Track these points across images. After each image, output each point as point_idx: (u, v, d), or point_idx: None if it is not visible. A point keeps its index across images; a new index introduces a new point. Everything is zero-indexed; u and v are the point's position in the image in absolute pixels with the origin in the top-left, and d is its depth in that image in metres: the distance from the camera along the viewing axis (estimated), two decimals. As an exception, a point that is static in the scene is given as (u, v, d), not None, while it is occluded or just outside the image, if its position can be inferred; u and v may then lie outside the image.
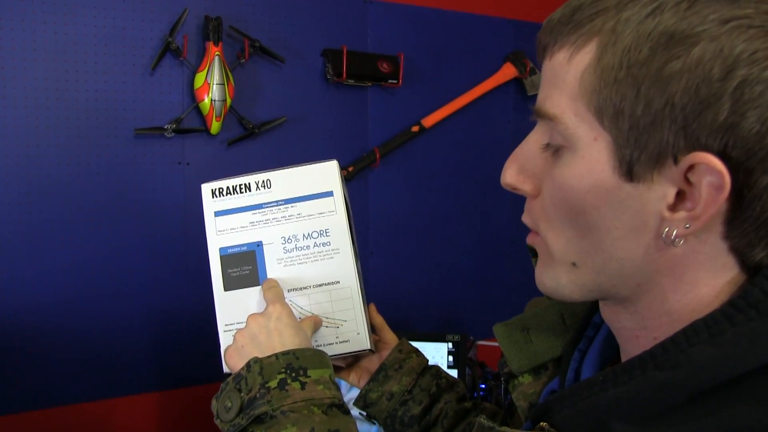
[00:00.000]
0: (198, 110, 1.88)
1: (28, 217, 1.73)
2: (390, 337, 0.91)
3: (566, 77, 0.48)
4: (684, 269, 0.48)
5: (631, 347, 0.53)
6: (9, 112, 1.69)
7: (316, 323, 0.80)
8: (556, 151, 0.50)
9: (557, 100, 0.49)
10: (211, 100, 1.84)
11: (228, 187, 0.82)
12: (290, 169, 0.82)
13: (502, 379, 0.69)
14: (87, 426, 1.83)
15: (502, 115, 2.33)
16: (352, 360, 0.90)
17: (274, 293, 0.78)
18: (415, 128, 2.19)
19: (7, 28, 1.68)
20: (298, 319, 0.78)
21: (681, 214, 0.45)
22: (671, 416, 0.45)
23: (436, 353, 1.62)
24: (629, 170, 0.46)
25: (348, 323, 0.80)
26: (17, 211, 1.72)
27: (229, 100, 1.87)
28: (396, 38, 2.17)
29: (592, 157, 0.47)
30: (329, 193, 0.82)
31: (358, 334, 0.80)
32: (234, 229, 0.81)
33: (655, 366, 0.46)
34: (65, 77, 1.75)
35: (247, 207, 0.81)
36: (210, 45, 1.84)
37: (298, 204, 0.81)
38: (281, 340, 0.72)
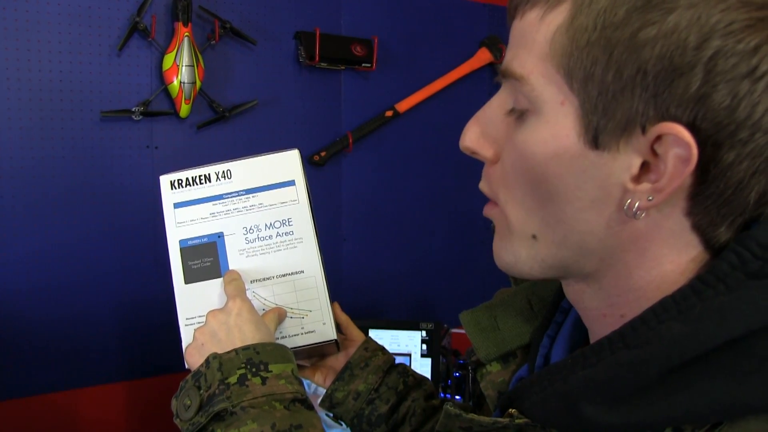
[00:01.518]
0: (167, 92, 1.83)
1: (-11, 202, 1.68)
2: (356, 335, 0.89)
3: (537, 37, 0.46)
4: (647, 244, 0.47)
5: (598, 328, 0.52)
6: (-32, 93, 1.64)
7: (279, 315, 0.77)
8: (520, 115, 0.48)
9: (525, 60, 0.47)
10: (180, 82, 1.80)
11: (187, 178, 0.79)
12: (251, 159, 0.81)
13: (469, 368, 0.68)
14: (54, 417, 1.80)
15: (477, 100, 2.31)
16: (317, 359, 0.88)
17: (235, 287, 0.76)
18: (389, 113, 2.17)
19: (-35, 5, 1.62)
20: (262, 311, 0.76)
21: (644, 186, 0.45)
22: (642, 396, 0.44)
23: (410, 341, 1.61)
24: (595, 138, 0.45)
25: (313, 313, 0.79)
26: (-22, 196, 1.67)
27: (198, 83, 1.83)
28: (370, 21, 2.14)
29: (558, 121, 0.46)
30: (291, 183, 0.81)
31: (324, 324, 0.79)
32: (194, 220, 0.79)
33: (625, 345, 0.45)
34: (27, 57, 1.70)
35: (207, 198, 0.79)
36: (179, 26, 1.80)
37: (259, 194, 0.80)
38: (242, 336, 0.70)
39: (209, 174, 0.80)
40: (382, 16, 2.17)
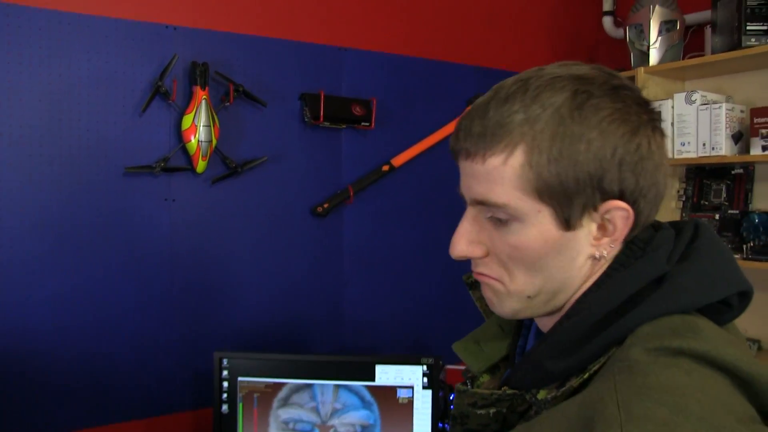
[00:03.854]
0: (184, 149, 1.98)
1: (20, 249, 1.81)
2: None
3: (505, 174, 0.68)
4: (599, 268, 0.71)
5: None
6: (3, 149, 1.79)
7: None
8: (502, 222, 0.69)
9: (500, 192, 0.68)
10: (198, 140, 1.95)
11: None
12: None
13: (467, 382, 0.89)
14: (72, 451, 1.88)
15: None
16: None
17: None
18: (386, 167, 2.33)
19: (4, 70, 1.78)
20: None
21: (605, 240, 0.70)
22: (580, 345, 0.67)
23: (412, 375, 1.74)
24: (567, 224, 0.68)
25: None
26: (9, 243, 1.80)
27: (214, 141, 1.98)
28: (369, 83, 2.32)
29: (540, 222, 0.68)
30: None
31: None
32: None
33: (568, 319, 0.69)
34: (59, 117, 1.85)
35: None
36: (197, 89, 1.96)
37: None
38: None
39: None
40: (380, 78, 2.35)
